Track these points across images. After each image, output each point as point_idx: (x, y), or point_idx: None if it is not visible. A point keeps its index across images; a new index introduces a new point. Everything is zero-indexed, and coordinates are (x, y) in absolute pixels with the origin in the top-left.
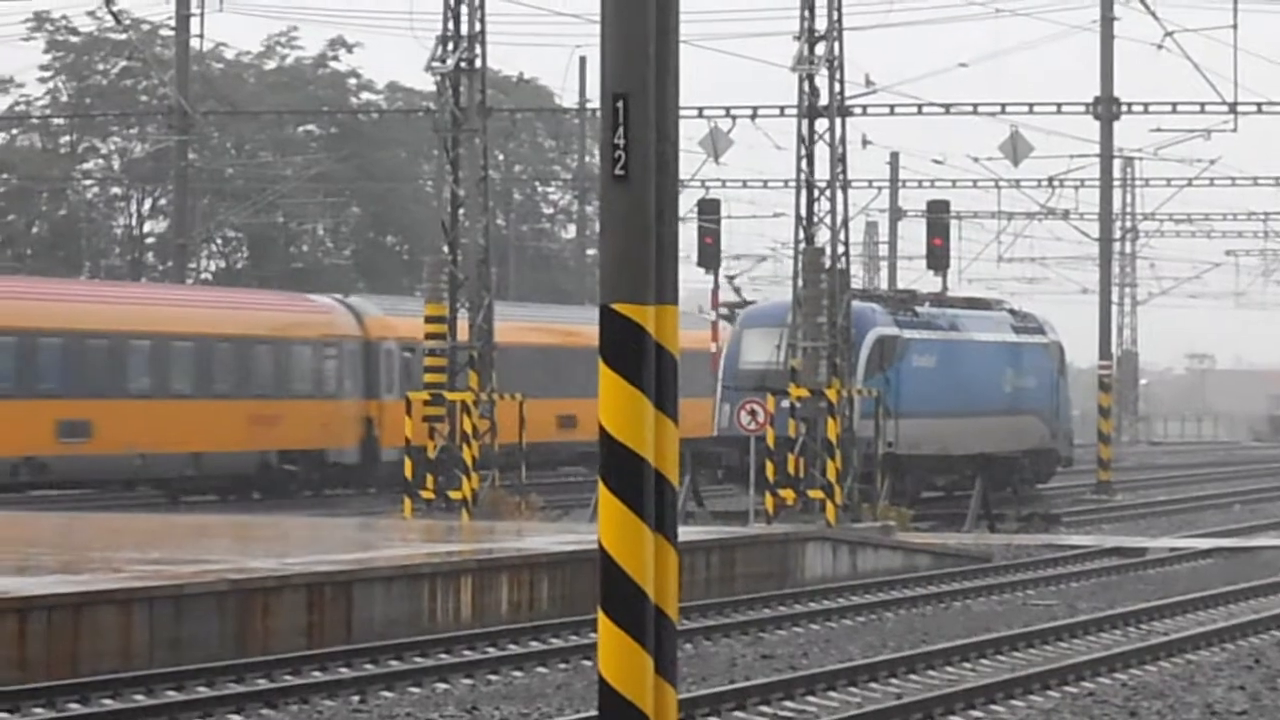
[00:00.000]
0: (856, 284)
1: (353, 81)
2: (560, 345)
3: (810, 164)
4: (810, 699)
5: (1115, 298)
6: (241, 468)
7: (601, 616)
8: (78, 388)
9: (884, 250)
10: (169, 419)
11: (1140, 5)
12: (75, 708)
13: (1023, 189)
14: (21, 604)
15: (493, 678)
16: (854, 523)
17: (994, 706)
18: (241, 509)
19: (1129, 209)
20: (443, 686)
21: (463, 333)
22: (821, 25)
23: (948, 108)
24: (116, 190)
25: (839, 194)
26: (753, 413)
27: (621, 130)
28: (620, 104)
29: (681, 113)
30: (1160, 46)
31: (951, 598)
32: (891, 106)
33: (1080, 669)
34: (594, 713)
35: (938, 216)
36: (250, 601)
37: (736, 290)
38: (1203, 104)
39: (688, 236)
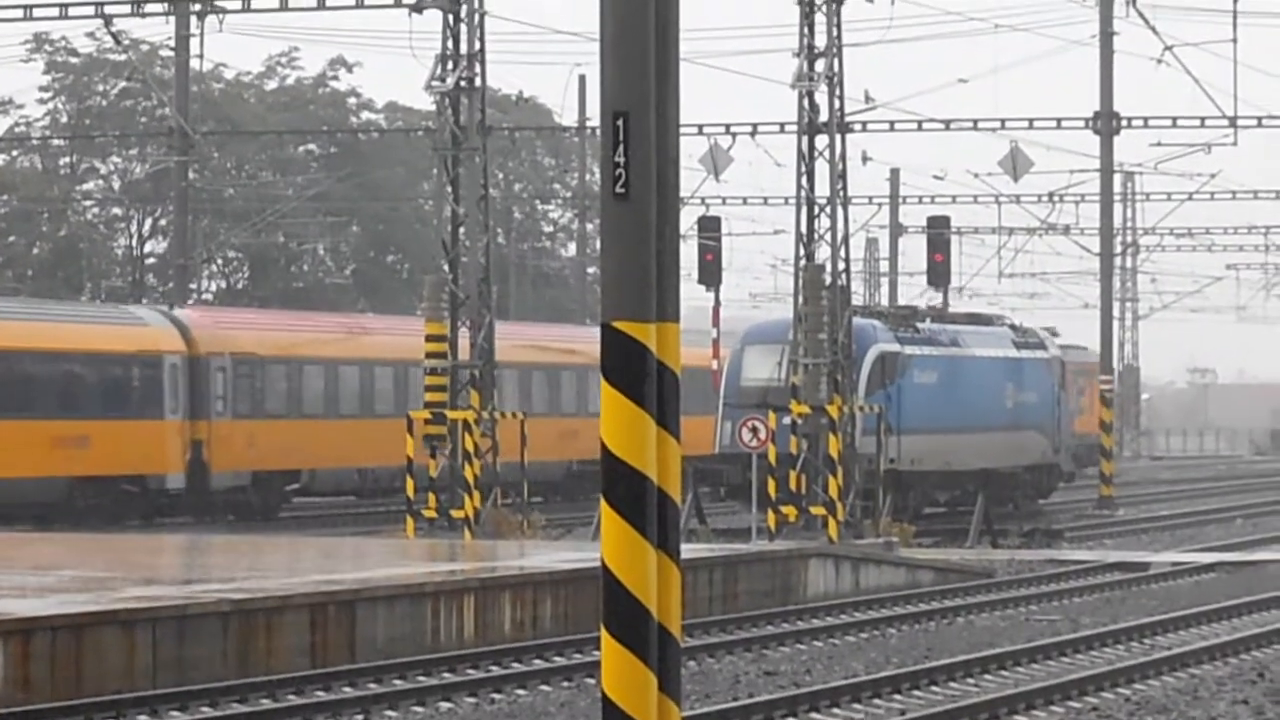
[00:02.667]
0: (857, 300)
1: (353, 101)
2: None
3: (810, 180)
4: (814, 715)
5: (1116, 312)
6: (551, 475)
7: (605, 634)
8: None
9: (885, 266)
10: (501, 432)
11: (1140, 20)
12: None
13: (1023, 204)
14: (25, 625)
15: (496, 696)
16: (856, 539)
17: None
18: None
19: (1130, 223)
20: (446, 705)
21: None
22: (821, 42)
23: (948, 123)
24: (117, 211)
25: (839, 210)
26: (754, 430)
27: (622, 148)
28: (621, 121)
29: (682, 130)
30: (1160, 61)
31: (954, 613)
32: (891, 122)
33: (1084, 684)
34: None
35: (938, 232)
36: (253, 622)
37: None
38: (1203, 118)
39: (688, 254)
